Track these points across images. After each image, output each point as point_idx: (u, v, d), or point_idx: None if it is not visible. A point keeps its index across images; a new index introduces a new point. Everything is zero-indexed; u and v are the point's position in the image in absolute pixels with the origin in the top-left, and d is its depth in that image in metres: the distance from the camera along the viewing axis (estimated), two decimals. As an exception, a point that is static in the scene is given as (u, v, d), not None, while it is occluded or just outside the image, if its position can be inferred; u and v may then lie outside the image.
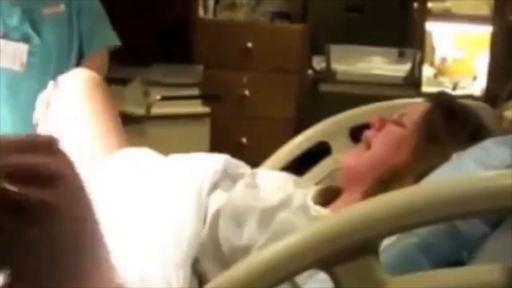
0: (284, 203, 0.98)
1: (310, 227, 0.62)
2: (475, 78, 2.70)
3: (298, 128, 1.42)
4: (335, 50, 2.60)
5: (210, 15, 2.69)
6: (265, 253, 0.59)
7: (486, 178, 0.62)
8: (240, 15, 2.70)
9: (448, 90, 2.65)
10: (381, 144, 1.01)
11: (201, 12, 2.66)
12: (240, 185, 1.05)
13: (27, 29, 1.63)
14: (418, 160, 0.98)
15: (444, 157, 0.91)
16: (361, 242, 0.58)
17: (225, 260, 0.93)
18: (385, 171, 0.98)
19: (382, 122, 1.03)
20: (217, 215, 0.96)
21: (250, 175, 1.09)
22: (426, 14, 2.67)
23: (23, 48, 1.60)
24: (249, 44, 2.52)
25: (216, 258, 0.94)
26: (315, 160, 1.34)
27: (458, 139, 0.98)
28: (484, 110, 1.18)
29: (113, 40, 1.80)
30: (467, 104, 1.11)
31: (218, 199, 0.99)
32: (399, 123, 1.02)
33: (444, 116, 1.02)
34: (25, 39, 1.62)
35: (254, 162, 1.33)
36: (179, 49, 2.49)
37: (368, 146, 1.03)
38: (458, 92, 2.63)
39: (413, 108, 1.07)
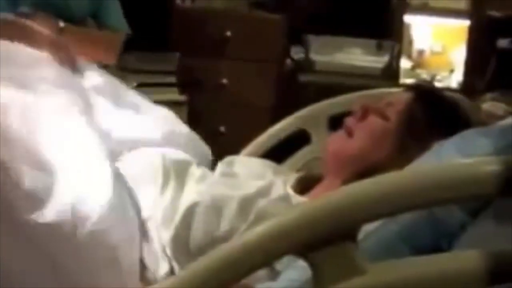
0: (264, 191, 0.97)
1: (287, 213, 0.61)
2: (452, 71, 2.72)
3: (276, 117, 1.42)
4: (314, 40, 2.59)
5: (188, 3, 2.66)
6: (242, 239, 0.58)
7: (467, 164, 0.62)
8: (219, 3, 2.67)
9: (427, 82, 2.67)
10: (364, 137, 0.99)
11: (179, -1, 2.63)
12: (217, 173, 1.04)
13: None
14: (400, 155, 0.96)
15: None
16: (339, 228, 0.58)
17: (200, 251, 0.91)
18: (366, 165, 0.96)
19: (365, 112, 1.01)
20: (192, 206, 0.94)
21: (227, 163, 1.07)
22: (405, 6, 2.68)
23: None
24: (228, 33, 2.50)
25: (188, 248, 0.92)
26: (294, 149, 1.33)
27: (439, 134, 0.96)
28: (462, 102, 1.18)
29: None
30: (449, 95, 1.10)
31: (192, 189, 0.98)
32: (383, 115, 1.00)
33: (425, 109, 1.00)
34: None
35: (232, 150, 1.32)
36: (156, 36, 2.45)
37: (350, 134, 1.01)
38: (435, 84, 2.64)
39: (397, 98, 1.05)
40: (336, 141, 1.02)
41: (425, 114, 1.00)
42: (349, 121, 1.03)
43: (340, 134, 1.03)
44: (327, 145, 1.05)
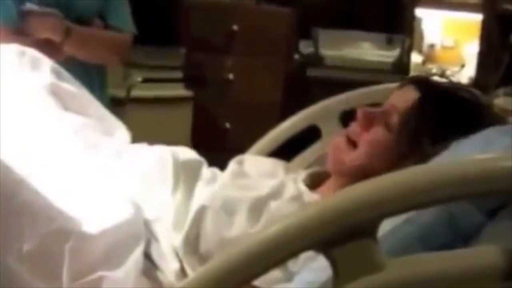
0: (276, 192, 0.95)
1: (309, 207, 0.61)
2: (463, 66, 2.68)
3: (284, 114, 1.38)
4: (323, 34, 2.55)
5: (194, -3, 2.62)
6: (262, 234, 0.58)
7: (484, 159, 0.61)
8: (226, -3, 2.63)
9: (436, 77, 2.62)
10: (367, 151, 0.97)
11: (185, -7, 2.60)
12: (227, 173, 1.01)
13: None
14: (398, 165, 0.91)
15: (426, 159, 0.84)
16: (359, 223, 0.57)
17: (211, 254, 0.89)
18: (365, 175, 0.92)
19: (369, 121, 0.97)
20: (202, 209, 0.91)
21: (237, 162, 1.05)
22: (416, 0, 2.64)
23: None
24: (235, 27, 2.46)
25: (198, 251, 0.91)
26: (305, 145, 1.30)
27: (445, 136, 0.89)
28: (475, 98, 1.13)
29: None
30: (458, 92, 1.02)
31: (202, 192, 0.95)
32: (387, 126, 0.96)
33: (432, 113, 0.94)
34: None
35: (238, 147, 1.29)
36: (162, 30, 2.42)
37: (353, 144, 0.98)
38: (444, 79, 2.60)
39: (402, 101, 0.98)
40: (338, 149, 0.99)
41: (431, 118, 0.94)
42: (352, 130, 0.99)
43: (342, 142, 0.99)
44: (329, 147, 1.02)
